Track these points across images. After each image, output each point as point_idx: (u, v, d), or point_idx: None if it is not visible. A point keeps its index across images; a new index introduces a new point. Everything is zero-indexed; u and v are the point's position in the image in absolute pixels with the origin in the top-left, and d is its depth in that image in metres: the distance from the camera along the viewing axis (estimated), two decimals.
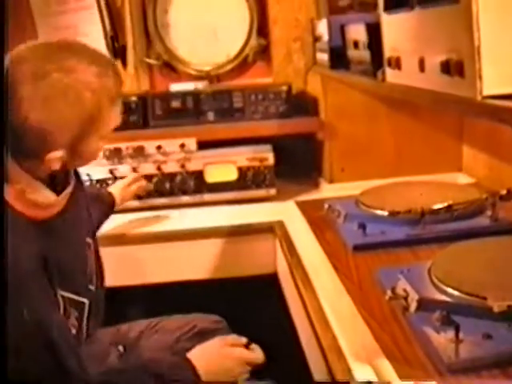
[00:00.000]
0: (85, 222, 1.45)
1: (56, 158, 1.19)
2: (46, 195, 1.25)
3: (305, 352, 1.54)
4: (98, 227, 1.75)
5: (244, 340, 1.46)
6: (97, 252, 1.48)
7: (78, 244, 1.38)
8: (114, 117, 1.26)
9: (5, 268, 1.06)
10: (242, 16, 2.53)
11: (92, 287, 1.39)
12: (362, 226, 1.61)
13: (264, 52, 2.54)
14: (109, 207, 1.88)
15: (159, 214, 2.12)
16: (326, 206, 1.83)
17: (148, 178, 2.12)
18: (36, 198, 1.22)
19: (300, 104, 2.32)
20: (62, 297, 1.24)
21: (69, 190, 1.33)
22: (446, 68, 1.04)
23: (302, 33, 2.42)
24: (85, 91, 1.16)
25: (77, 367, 1.19)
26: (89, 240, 1.43)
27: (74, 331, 1.28)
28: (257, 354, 1.43)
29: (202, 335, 1.60)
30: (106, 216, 1.84)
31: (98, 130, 1.23)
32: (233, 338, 1.48)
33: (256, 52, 2.53)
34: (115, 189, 1.96)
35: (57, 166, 1.21)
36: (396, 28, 1.30)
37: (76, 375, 1.18)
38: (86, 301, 1.33)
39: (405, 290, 1.22)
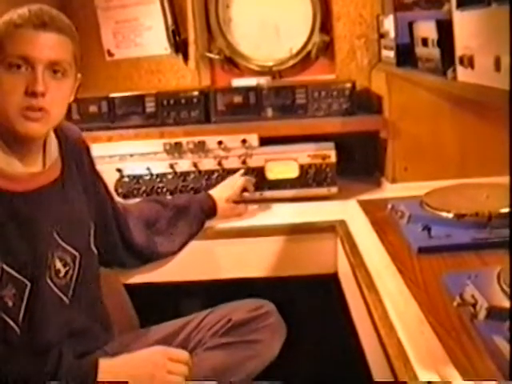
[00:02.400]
0: (57, 215, 1.39)
1: None
2: (8, 162, 1.26)
3: (366, 355, 1.52)
4: (185, 242, 1.77)
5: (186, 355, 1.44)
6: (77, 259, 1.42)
7: (34, 233, 1.33)
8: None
9: None
10: (305, 12, 2.50)
11: (44, 277, 1.34)
12: (427, 228, 1.57)
13: (327, 48, 2.52)
14: (205, 214, 1.88)
15: None
16: (389, 206, 1.80)
17: (209, 173, 2.12)
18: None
19: (363, 102, 2.29)
20: (2, 268, 1.26)
21: (38, 165, 1.33)
22: None
23: (366, 29, 2.39)
24: None
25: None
26: (55, 236, 1.37)
27: (10, 303, 1.28)
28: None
29: (237, 328, 1.58)
30: (200, 224, 1.85)
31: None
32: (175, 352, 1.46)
33: (319, 48, 2.50)
34: (221, 192, 1.96)
35: None
36: (470, 25, 1.26)
37: None
38: (27, 283, 1.31)
39: (473, 297, 1.18)
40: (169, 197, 2.07)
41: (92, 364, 1.34)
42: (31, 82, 1.26)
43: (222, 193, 1.97)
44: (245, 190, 2.05)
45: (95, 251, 1.50)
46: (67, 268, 1.39)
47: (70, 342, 1.39)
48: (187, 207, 1.86)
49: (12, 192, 1.30)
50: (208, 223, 1.95)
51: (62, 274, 1.38)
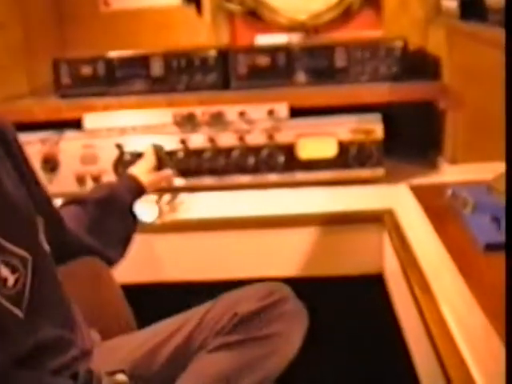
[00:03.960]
0: None
1: None
2: None
3: (417, 370, 1.52)
4: (126, 237, 1.77)
5: None
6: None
7: None
8: None
9: None
10: None
11: None
12: (497, 220, 1.57)
13: None
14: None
15: (240, 194, 2.13)
16: (449, 192, 1.79)
17: (228, 151, 2.13)
18: None
19: (417, 64, 2.28)
20: None
21: None
22: None
23: None
24: None
25: None
26: None
27: None
28: None
29: (246, 323, 1.58)
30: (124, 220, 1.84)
31: None
32: None
33: None
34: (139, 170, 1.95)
35: None
36: None
37: None
38: None
39: None
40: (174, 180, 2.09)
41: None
42: None
43: (139, 167, 1.97)
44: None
45: (48, 249, 1.49)
46: (17, 274, 1.39)
47: (40, 359, 1.39)
48: (111, 195, 1.85)
49: None
50: (215, 212, 1.97)
51: (10, 283, 1.37)
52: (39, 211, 1.47)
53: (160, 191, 2.03)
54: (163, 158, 2.05)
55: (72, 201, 1.81)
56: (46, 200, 1.56)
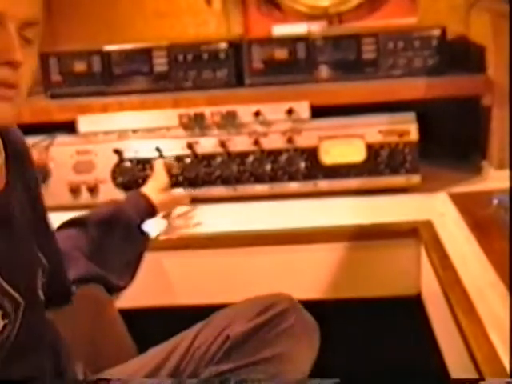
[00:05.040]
0: None
1: None
2: None
3: None
4: (132, 262, 1.80)
5: None
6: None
7: None
8: None
9: None
10: None
11: None
12: None
13: None
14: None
15: (255, 205, 2.13)
16: (495, 201, 1.79)
17: (241, 156, 2.13)
18: None
19: (458, 55, 2.28)
20: None
21: None
22: None
23: None
24: None
25: None
26: None
27: None
28: None
29: (240, 346, 1.55)
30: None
31: None
32: None
33: None
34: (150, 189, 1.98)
35: None
36: None
37: None
38: None
39: None
40: (181, 190, 2.10)
41: None
42: (4, 47, 1.25)
43: (151, 185, 1.99)
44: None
45: (42, 298, 1.49)
46: (6, 321, 1.38)
47: None
48: (115, 215, 1.85)
49: None
50: (227, 227, 1.98)
51: None
52: (42, 251, 1.48)
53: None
54: (175, 175, 2.09)
55: (71, 222, 1.82)
56: (51, 241, 1.56)
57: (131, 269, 1.83)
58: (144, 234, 1.88)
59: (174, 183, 2.12)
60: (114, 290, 1.77)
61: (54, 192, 2.18)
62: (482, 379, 1.12)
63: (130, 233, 1.84)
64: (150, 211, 1.91)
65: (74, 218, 1.84)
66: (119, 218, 1.84)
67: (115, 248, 1.81)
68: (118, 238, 1.81)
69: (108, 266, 1.76)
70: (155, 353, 1.62)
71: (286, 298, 1.57)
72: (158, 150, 2.15)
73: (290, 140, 2.14)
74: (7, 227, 1.34)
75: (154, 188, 1.98)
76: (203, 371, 1.52)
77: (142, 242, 1.87)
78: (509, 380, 1.07)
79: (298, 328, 1.53)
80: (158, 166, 2.08)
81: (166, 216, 2.04)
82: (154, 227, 1.94)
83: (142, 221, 1.88)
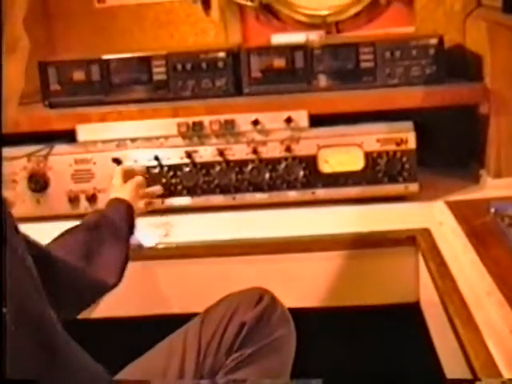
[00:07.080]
0: None
1: None
2: None
3: None
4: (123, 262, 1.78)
5: None
6: None
7: None
8: None
9: None
10: None
11: None
12: None
13: None
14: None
15: (254, 214, 2.14)
16: (493, 209, 1.79)
17: (240, 165, 2.14)
18: None
19: (455, 64, 2.28)
20: None
21: None
22: None
23: None
24: None
25: None
26: None
27: None
28: None
29: (254, 332, 1.62)
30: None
31: None
32: None
33: None
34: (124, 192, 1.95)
35: None
36: None
37: None
38: None
39: None
40: (180, 199, 2.12)
41: None
42: None
43: (122, 188, 1.96)
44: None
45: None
46: None
47: None
48: (100, 219, 1.85)
49: None
50: (226, 235, 1.98)
51: None
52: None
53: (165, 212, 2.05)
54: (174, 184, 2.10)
55: (61, 233, 1.83)
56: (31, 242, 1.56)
57: (120, 268, 1.82)
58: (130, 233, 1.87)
59: (173, 192, 2.13)
60: (105, 289, 1.77)
61: (52, 201, 2.19)
62: (478, 379, 1.11)
63: (116, 233, 1.82)
64: (126, 207, 1.88)
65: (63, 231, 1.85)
66: (105, 220, 1.83)
67: (104, 248, 1.80)
68: (106, 238, 1.80)
69: (98, 264, 1.76)
70: (149, 363, 1.65)
71: (266, 290, 1.71)
72: (156, 158, 2.16)
73: (288, 149, 2.14)
74: None
75: (116, 189, 1.95)
76: (225, 362, 1.60)
77: (127, 239, 1.85)
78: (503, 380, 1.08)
79: (285, 315, 1.70)
80: (117, 169, 2.05)
81: (163, 224, 2.04)
82: (148, 236, 1.94)
83: (121, 217, 1.86)
